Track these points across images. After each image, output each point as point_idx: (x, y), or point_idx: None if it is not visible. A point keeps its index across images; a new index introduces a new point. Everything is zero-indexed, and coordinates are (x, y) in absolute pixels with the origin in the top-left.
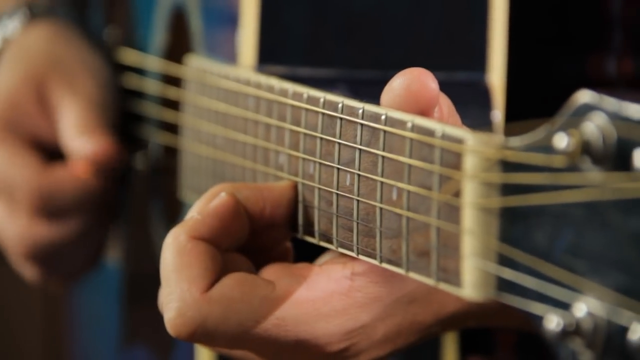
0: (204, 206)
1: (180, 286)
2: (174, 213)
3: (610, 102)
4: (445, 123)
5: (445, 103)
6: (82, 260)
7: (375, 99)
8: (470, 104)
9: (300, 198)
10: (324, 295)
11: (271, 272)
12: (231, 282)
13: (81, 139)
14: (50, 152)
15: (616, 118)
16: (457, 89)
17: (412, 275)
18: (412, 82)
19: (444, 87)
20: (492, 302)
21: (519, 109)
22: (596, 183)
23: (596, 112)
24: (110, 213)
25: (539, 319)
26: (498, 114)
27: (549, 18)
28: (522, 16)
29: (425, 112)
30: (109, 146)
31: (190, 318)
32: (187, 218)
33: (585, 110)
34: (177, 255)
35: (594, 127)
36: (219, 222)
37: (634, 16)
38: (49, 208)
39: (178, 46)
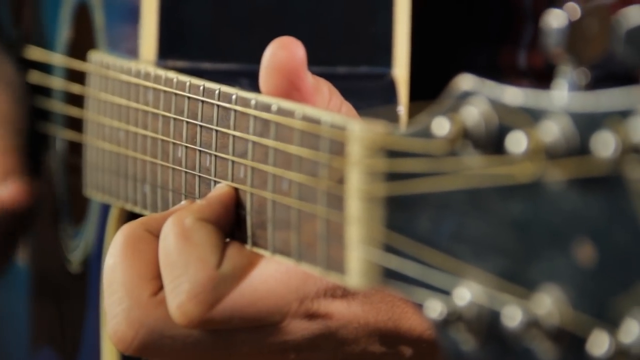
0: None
1: (190, 268)
2: (80, 211)
3: (491, 86)
4: (333, 112)
5: (325, 86)
6: None
7: None
8: (375, 98)
9: (196, 192)
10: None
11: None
12: (236, 252)
13: None
14: None
15: (497, 102)
16: (361, 83)
17: (303, 265)
18: (277, 49)
19: (348, 81)
20: None
21: (428, 103)
22: (477, 168)
23: (477, 97)
24: (19, 230)
25: (421, 307)
26: (402, 108)
27: (458, 11)
28: (430, 9)
29: (294, 83)
30: (20, 192)
31: (206, 298)
32: (189, 205)
33: (466, 94)
34: (182, 238)
35: (475, 111)
36: (223, 209)
37: (544, 8)
38: None
39: (83, 42)
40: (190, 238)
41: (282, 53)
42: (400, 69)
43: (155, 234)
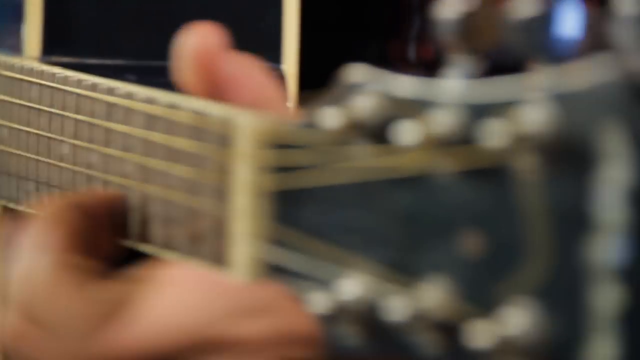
0: None
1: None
2: None
3: (381, 76)
4: (221, 104)
5: (240, 64)
6: None
7: (165, 89)
8: None
9: (82, 189)
10: (172, 284)
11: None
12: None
13: None
14: None
15: (386, 92)
16: None
17: (190, 260)
18: (188, 36)
19: None
20: None
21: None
22: (366, 159)
23: (367, 86)
24: None
25: (307, 301)
26: (291, 104)
27: (346, 5)
28: (318, 4)
29: (212, 72)
30: None
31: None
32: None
33: (356, 84)
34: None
35: (365, 101)
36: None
37: (432, 2)
38: None
39: None
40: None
41: (194, 40)
42: (289, 65)
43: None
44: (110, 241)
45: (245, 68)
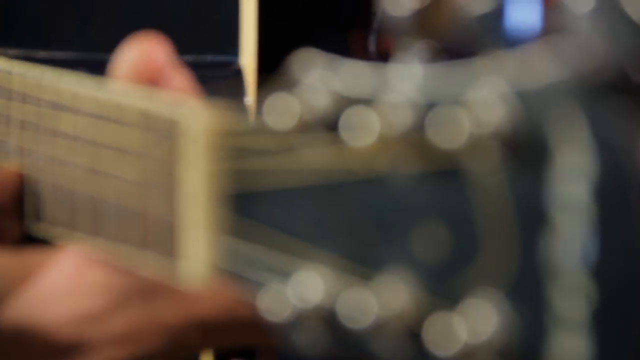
0: None
1: None
2: None
3: (333, 66)
4: (168, 105)
5: (181, 79)
6: None
7: None
8: (222, 87)
9: (27, 186)
10: (48, 277)
11: None
12: None
13: None
14: None
15: (338, 86)
16: (207, 73)
17: (142, 258)
18: (132, 51)
19: (193, 70)
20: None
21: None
22: (319, 155)
23: (318, 79)
24: None
25: (264, 309)
26: (250, 98)
27: None
28: None
29: (154, 82)
30: None
31: None
32: None
33: (305, 76)
34: None
35: (315, 95)
36: None
37: None
38: None
39: None
40: None
41: (138, 56)
42: (248, 58)
43: None
44: (10, 221)
45: (184, 86)
